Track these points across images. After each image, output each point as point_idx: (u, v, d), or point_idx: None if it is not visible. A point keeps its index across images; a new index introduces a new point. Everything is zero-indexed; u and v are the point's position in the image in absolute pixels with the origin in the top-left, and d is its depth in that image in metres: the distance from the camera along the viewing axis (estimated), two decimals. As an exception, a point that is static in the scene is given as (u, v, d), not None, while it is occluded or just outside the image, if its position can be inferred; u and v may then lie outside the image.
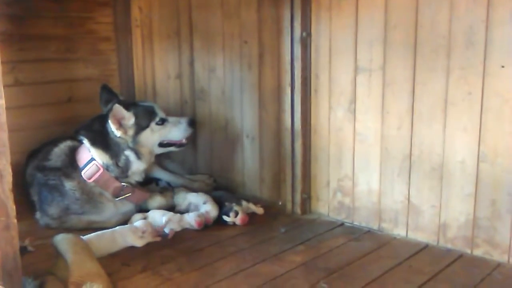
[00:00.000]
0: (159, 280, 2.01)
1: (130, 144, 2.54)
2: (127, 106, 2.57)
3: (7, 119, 1.57)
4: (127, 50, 3.55)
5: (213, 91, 3.10)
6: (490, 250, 2.14)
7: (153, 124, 2.64)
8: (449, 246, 2.25)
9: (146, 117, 2.62)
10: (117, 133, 2.50)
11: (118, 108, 2.50)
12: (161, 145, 2.73)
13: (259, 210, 2.71)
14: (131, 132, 2.54)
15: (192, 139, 3.23)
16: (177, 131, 2.75)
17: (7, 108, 1.57)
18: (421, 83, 2.24)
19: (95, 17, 3.42)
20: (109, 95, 2.76)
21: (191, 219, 2.50)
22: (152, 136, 2.64)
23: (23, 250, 2.05)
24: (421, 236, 2.33)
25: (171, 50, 3.30)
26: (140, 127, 2.58)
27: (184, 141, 2.79)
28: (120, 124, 2.50)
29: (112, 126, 2.49)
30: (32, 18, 3.13)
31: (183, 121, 2.78)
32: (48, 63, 3.22)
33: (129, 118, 2.53)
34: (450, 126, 2.18)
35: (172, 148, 2.80)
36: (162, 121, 2.69)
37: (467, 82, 2.10)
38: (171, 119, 2.75)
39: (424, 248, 2.28)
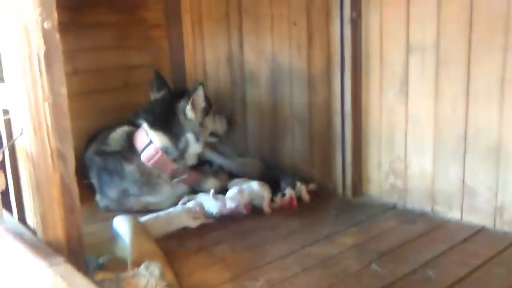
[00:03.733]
0: (213, 260, 2.07)
1: (196, 128, 2.66)
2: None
3: (66, 107, 1.66)
4: (178, 36, 3.61)
5: (263, 73, 3.12)
6: (550, 234, 2.07)
7: (211, 112, 2.83)
8: (506, 229, 2.19)
9: (208, 105, 2.78)
10: (191, 114, 2.63)
11: (202, 90, 2.66)
12: (210, 134, 2.91)
13: (306, 197, 2.67)
14: (199, 115, 2.69)
15: (243, 122, 3.28)
16: (221, 124, 2.99)
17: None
18: (476, 62, 2.16)
19: (147, 4, 3.50)
20: (161, 82, 2.87)
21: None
22: (209, 123, 2.81)
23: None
24: (476, 219, 2.28)
25: (221, 33, 3.33)
26: (205, 112, 2.73)
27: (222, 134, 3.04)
28: (194, 106, 2.64)
29: (189, 106, 2.62)
30: (86, 7, 3.24)
31: (223, 118, 3.02)
32: (104, 51, 3.33)
33: (202, 102, 2.69)
34: (508, 106, 2.10)
35: (214, 139, 2.99)
36: (214, 113, 2.89)
37: (526, 60, 2.02)
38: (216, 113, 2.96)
39: (480, 230, 2.23)
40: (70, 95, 1.68)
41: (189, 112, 2.62)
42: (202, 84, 2.71)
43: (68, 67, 3.07)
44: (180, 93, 2.75)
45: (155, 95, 2.83)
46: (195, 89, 2.66)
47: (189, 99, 2.62)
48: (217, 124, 2.95)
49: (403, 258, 2.03)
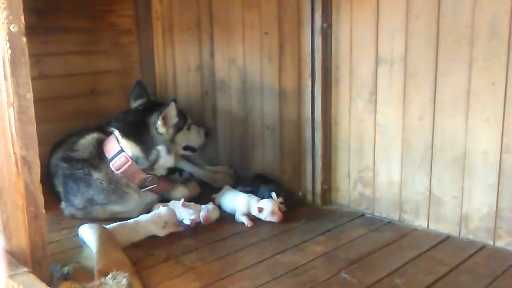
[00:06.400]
0: (182, 269, 2.04)
1: (167, 143, 2.63)
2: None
3: (31, 112, 1.62)
4: (148, 43, 3.59)
5: (234, 82, 3.12)
6: (512, 242, 2.13)
7: (185, 128, 2.81)
8: (471, 237, 2.24)
9: (182, 120, 2.77)
10: (162, 129, 2.59)
11: (173, 106, 2.62)
12: (183, 147, 2.89)
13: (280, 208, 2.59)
14: (170, 131, 2.65)
15: (214, 130, 3.27)
16: (197, 138, 2.96)
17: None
18: (443, 74, 2.22)
19: (116, 10, 3.47)
20: (141, 91, 2.85)
21: (201, 214, 2.50)
22: (182, 138, 2.81)
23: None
24: (443, 227, 2.33)
25: (192, 41, 3.32)
26: (177, 128, 2.71)
27: (197, 147, 3.01)
28: (165, 121, 2.60)
29: (159, 122, 2.57)
30: (55, 12, 3.18)
31: (202, 131, 2.99)
32: (71, 56, 3.28)
33: (174, 118, 2.66)
34: (473, 117, 2.16)
35: (188, 152, 2.97)
36: (189, 127, 2.88)
37: (490, 73, 2.08)
38: (193, 126, 2.93)
39: (446, 239, 2.27)
40: (36, 100, 1.65)
41: (160, 127, 2.58)
42: (174, 100, 2.66)
43: (34, 71, 3.01)
44: (157, 104, 2.71)
45: (132, 104, 2.80)
46: (166, 105, 2.61)
47: (160, 113, 2.57)
48: (193, 137, 2.91)
49: (371, 266, 2.05)
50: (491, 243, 2.18)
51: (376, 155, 2.53)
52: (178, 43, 3.44)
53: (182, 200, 2.48)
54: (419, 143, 2.35)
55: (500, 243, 2.16)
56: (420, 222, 2.40)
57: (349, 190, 2.68)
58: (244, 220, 2.48)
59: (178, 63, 3.48)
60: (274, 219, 2.47)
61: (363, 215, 2.59)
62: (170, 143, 2.65)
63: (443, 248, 2.20)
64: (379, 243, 2.25)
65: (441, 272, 1.97)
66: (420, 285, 1.88)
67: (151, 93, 3.31)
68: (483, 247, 2.17)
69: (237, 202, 2.57)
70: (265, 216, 2.48)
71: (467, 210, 2.24)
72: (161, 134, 2.59)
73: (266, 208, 2.48)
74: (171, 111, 2.61)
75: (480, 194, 2.19)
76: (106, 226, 2.25)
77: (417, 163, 2.37)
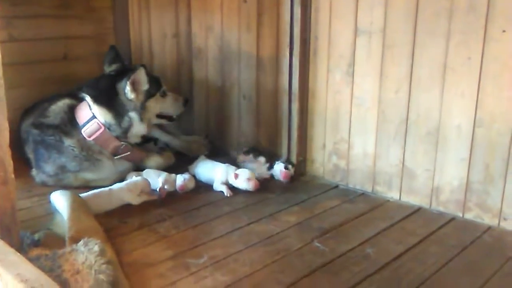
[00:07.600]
0: (156, 237, 2.04)
1: (137, 109, 2.56)
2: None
3: (0, 76, 1.56)
4: (123, 8, 3.49)
5: (211, 50, 3.07)
6: (481, 214, 2.18)
7: (158, 94, 2.73)
8: (441, 209, 2.29)
9: (154, 86, 2.68)
10: (131, 95, 2.51)
11: (142, 72, 2.54)
12: (158, 115, 2.80)
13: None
14: (141, 97, 2.58)
15: (190, 100, 3.22)
16: (174, 106, 2.87)
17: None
18: (421, 47, 2.22)
19: (90, -28, 3.35)
20: (114, 57, 2.76)
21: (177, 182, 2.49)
22: (155, 105, 2.72)
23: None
24: (414, 199, 2.37)
25: (168, 8, 3.24)
26: (149, 94, 2.63)
27: (174, 116, 2.91)
28: (134, 87, 2.52)
29: (128, 87, 2.49)
30: (25, -28, 3.06)
31: (180, 99, 2.91)
32: (42, 20, 3.16)
33: (145, 84, 2.57)
34: (448, 91, 2.17)
35: (163, 121, 2.90)
36: (164, 94, 2.79)
37: (467, 47, 2.09)
38: (170, 94, 2.85)
39: (417, 211, 2.31)
40: (5, 64, 1.60)
41: (128, 92, 2.50)
42: (143, 65, 2.59)
43: (3, 34, 2.91)
44: (131, 70, 2.59)
45: (106, 69, 2.72)
46: (134, 70, 2.53)
47: (128, 79, 2.49)
48: (168, 105, 2.83)
49: (344, 235, 2.08)
50: (461, 215, 2.23)
51: (351, 127, 2.54)
52: (154, 9, 3.35)
53: (160, 185, 2.42)
54: (394, 116, 2.36)
55: (469, 215, 2.21)
56: (393, 194, 2.43)
57: (324, 162, 2.69)
58: (224, 189, 2.48)
59: (154, 30, 3.39)
60: (250, 186, 2.47)
61: (337, 186, 2.62)
62: (142, 110, 2.58)
63: (414, 220, 2.24)
64: (352, 213, 2.28)
65: (412, 242, 2.01)
66: (391, 254, 1.91)
67: (126, 60, 3.24)
68: (452, 219, 2.22)
69: (215, 172, 2.56)
70: (241, 182, 2.48)
71: (439, 182, 2.28)
72: (131, 100, 2.52)
73: (243, 175, 2.48)
74: (140, 76, 2.54)
75: (452, 167, 2.22)
76: (80, 195, 2.21)
77: (392, 136, 2.39)
